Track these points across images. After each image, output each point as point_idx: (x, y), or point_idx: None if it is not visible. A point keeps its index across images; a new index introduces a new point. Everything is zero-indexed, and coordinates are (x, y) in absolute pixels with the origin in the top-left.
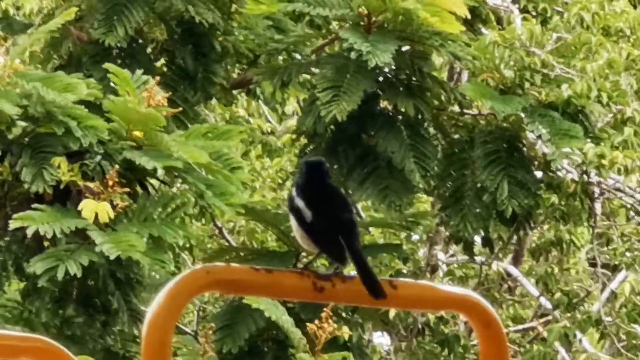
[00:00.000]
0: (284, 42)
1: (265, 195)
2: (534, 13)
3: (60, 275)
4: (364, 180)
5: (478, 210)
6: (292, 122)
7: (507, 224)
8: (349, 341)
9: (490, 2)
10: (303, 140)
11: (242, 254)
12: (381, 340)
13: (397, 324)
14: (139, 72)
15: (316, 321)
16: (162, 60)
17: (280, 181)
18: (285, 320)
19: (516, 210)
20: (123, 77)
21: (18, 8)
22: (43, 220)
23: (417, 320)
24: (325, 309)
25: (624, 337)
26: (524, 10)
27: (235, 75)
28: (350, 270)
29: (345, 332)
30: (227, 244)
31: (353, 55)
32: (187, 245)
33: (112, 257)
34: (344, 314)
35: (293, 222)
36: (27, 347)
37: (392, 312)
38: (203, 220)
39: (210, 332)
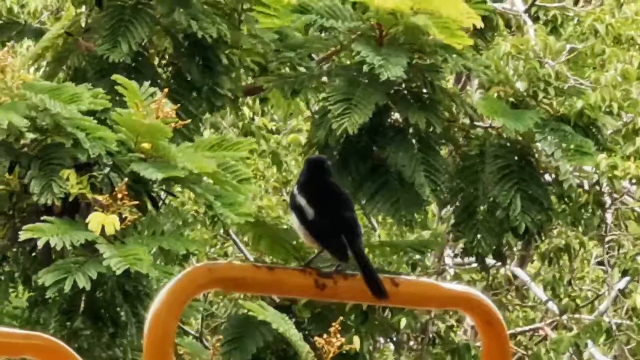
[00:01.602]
0: (297, 52)
1: (270, 194)
2: (544, 18)
3: (67, 287)
4: (374, 194)
5: (492, 225)
6: (297, 121)
7: (519, 238)
8: (359, 353)
9: (499, 7)
10: (313, 152)
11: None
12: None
13: (408, 333)
14: (146, 84)
15: (324, 335)
16: (168, 73)
17: (284, 180)
18: (294, 334)
19: (529, 226)
20: (131, 89)
21: (23, 6)
22: (52, 232)
23: (428, 329)
24: (333, 323)
25: (633, 343)
26: (534, 18)
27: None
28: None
29: (353, 346)
30: (230, 248)
31: (365, 68)
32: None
33: (118, 272)
34: (352, 325)
35: (294, 219)
36: (29, 344)
37: (403, 322)
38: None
39: (218, 344)
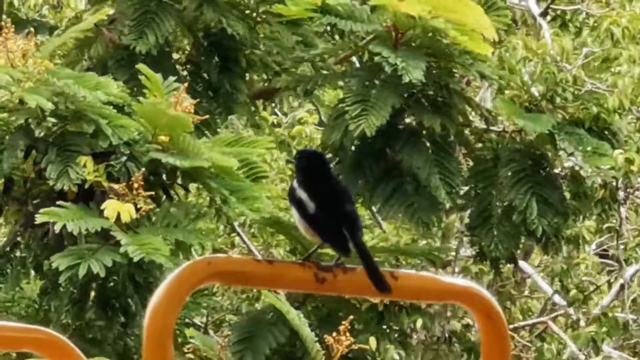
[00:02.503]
0: (311, 54)
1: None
2: (552, 14)
3: (82, 272)
4: (389, 197)
5: (508, 229)
6: (299, 113)
7: (537, 242)
8: (374, 354)
9: (508, 2)
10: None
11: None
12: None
13: (424, 332)
14: (171, 78)
15: (334, 334)
16: (186, 71)
17: (290, 173)
18: (307, 332)
19: (546, 230)
20: (154, 81)
21: (24, 2)
22: (68, 217)
23: (445, 328)
24: (343, 322)
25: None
26: (544, 13)
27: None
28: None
29: (362, 345)
30: (237, 239)
31: (387, 69)
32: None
33: (135, 259)
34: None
35: (295, 213)
36: (29, 338)
37: (419, 322)
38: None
39: (226, 340)
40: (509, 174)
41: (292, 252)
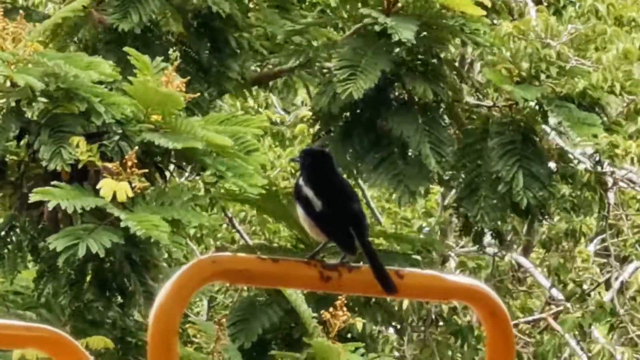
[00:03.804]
0: (303, 22)
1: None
2: (545, 3)
3: (81, 253)
4: (377, 165)
5: (494, 201)
6: (302, 112)
7: (521, 215)
8: (361, 333)
9: None
10: (318, 127)
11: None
12: (391, 330)
13: (410, 315)
14: (158, 58)
15: (330, 309)
16: (177, 53)
17: (292, 171)
18: (304, 309)
19: (531, 202)
20: (142, 62)
21: None
22: (62, 196)
23: (430, 311)
24: (340, 297)
25: (637, 324)
26: (537, 1)
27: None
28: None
29: (359, 320)
30: (238, 234)
31: (377, 28)
32: (198, 235)
33: (138, 234)
34: (356, 308)
35: (300, 211)
36: (33, 336)
37: (405, 303)
38: (214, 210)
39: (224, 320)
40: (498, 145)
41: (295, 247)
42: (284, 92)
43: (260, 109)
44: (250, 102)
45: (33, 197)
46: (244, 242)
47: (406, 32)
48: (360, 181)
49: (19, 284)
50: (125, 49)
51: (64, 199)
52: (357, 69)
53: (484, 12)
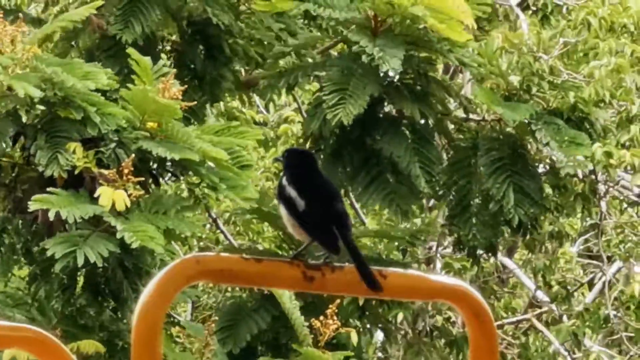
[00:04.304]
0: (290, 46)
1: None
2: (534, 8)
3: (80, 261)
4: (369, 185)
5: (486, 218)
6: (285, 112)
7: (514, 231)
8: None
9: None
10: (307, 144)
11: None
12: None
13: (404, 326)
14: (161, 62)
15: (321, 317)
16: (172, 59)
17: (275, 171)
18: (297, 316)
19: (522, 219)
20: (144, 66)
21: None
22: (60, 204)
23: (426, 322)
24: (330, 306)
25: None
26: (523, 7)
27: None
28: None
29: (348, 329)
30: (222, 235)
31: (365, 59)
32: (183, 236)
33: (134, 246)
34: (351, 320)
35: (283, 210)
36: (17, 336)
37: (401, 316)
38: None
39: (213, 325)
40: (487, 162)
41: (279, 248)
42: (264, 93)
43: (243, 109)
44: (234, 102)
45: (32, 206)
46: (228, 243)
47: (393, 61)
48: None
49: (9, 286)
50: (128, 50)
51: (62, 207)
52: (346, 92)
53: (471, 37)
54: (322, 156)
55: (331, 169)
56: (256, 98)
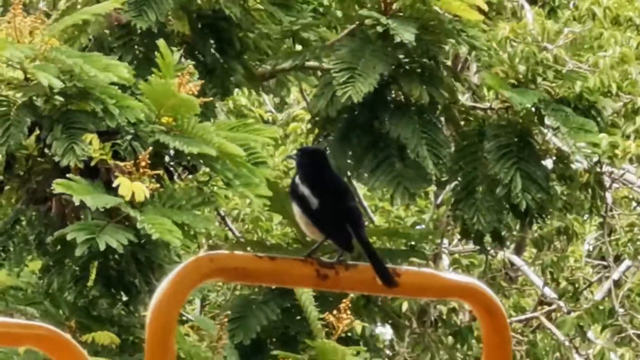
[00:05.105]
0: (299, 23)
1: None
2: (540, 3)
3: (102, 246)
4: (376, 168)
5: (491, 203)
6: (294, 111)
7: (520, 217)
8: (362, 336)
9: None
10: (315, 129)
11: (252, 249)
12: (380, 329)
13: (410, 316)
14: (183, 60)
15: (335, 311)
16: (182, 52)
17: (285, 169)
18: (312, 309)
19: (530, 204)
20: (168, 59)
21: None
22: (81, 192)
23: (430, 312)
24: (344, 300)
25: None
26: (532, 1)
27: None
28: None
29: (360, 323)
30: (230, 232)
31: (380, 29)
32: (192, 233)
33: (154, 237)
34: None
35: (296, 209)
36: (30, 334)
37: (405, 305)
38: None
39: (225, 320)
40: (494, 148)
41: (289, 245)
42: (276, 91)
43: (252, 108)
44: (243, 100)
45: (57, 189)
46: (237, 240)
47: (407, 34)
48: (353, 181)
49: (20, 280)
50: (158, 42)
51: (84, 195)
52: (356, 72)
53: (482, 17)
54: (330, 139)
55: (339, 152)
56: (265, 97)
